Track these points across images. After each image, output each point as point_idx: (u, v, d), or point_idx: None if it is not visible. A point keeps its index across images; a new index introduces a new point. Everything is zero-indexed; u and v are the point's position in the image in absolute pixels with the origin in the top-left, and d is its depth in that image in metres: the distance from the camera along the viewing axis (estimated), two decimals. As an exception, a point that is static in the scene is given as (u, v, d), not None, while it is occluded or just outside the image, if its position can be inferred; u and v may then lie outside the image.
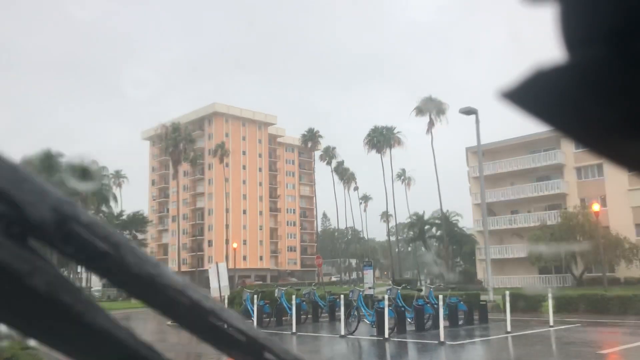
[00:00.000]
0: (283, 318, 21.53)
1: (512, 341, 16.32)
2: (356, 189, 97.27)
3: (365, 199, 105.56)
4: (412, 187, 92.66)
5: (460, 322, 19.45)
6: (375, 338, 16.75)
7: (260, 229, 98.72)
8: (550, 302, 19.16)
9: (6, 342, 10.30)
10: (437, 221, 64.37)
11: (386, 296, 17.30)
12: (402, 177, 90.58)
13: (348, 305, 18.72)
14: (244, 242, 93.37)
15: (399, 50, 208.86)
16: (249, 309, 21.36)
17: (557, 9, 0.41)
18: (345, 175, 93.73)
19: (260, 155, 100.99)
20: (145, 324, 29.94)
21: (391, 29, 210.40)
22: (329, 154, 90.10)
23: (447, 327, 17.42)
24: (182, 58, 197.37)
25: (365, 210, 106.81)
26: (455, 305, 19.24)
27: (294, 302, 20.04)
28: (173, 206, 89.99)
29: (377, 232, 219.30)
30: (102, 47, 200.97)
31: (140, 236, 72.33)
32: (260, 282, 72.80)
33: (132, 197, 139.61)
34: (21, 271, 0.46)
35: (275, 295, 23.05)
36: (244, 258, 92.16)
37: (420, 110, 64.37)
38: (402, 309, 17.93)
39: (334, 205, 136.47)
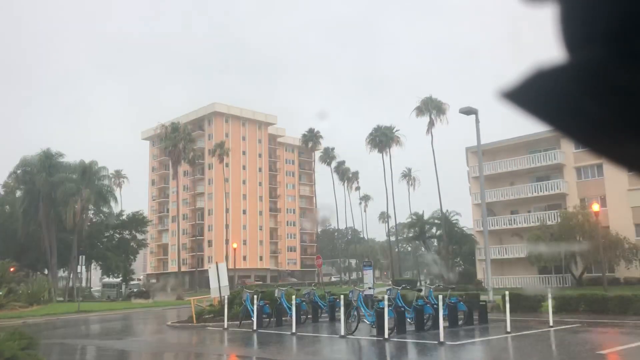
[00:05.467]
0: (283, 318, 21.52)
1: (511, 341, 16.31)
2: (358, 188, 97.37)
3: (366, 199, 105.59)
4: (415, 186, 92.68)
5: (460, 323, 19.44)
6: (375, 338, 16.74)
7: (260, 229, 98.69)
8: (550, 302, 19.14)
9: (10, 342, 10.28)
10: (436, 221, 64.29)
11: (386, 296, 17.29)
12: (407, 177, 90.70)
13: (348, 305, 18.71)
14: (244, 242, 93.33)
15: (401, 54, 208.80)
16: (249, 309, 21.33)
17: (557, 9, 0.41)
18: (346, 175, 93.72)
19: (260, 155, 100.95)
20: (144, 324, 29.95)
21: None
22: (329, 155, 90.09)
23: (447, 328, 17.41)
24: (181, 57, 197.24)
25: (365, 211, 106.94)
26: (455, 306, 19.22)
27: (293, 302, 20.03)
28: (173, 206, 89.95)
29: (377, 232, 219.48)
30: (101, 46, 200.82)
31: (140, 236, 72.34)
32: (260, 282, 72.82)
33: (132, 197, 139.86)
34: None
35: (275, 295, 23.05)
36: (244, 258, 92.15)
37: (420, 111, 64.32)
38: (402, 309, 17.91)
39: (334, 205, 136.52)
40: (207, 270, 29.11)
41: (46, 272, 61.09)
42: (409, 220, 70.15)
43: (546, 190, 49.23)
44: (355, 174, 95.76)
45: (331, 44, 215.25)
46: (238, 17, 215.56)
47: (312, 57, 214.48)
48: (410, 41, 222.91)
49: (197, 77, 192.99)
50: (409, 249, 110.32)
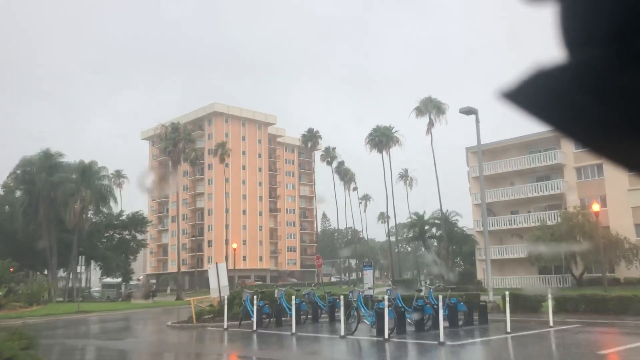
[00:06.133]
0: (283, 319, 21.50)
1: (511, 342, 16.30)
2: (355, 189, 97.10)
3: (366, 199, 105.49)
4: (412, 187, 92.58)
5: (460, 323, 19.42)
6: (375, 339, 16.73)
7: (260, 229, 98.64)
8: (550, 303, 19.14)
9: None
10: (437, 221, 64.28)
11: (386, 297, 17.27)
12: (405, 178, 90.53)
13: (348, 305, 18.70)
14: (244, 243, 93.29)
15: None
16: (249, 309, 21.32)
17: (557, 9, 0.41)
18: (346, 175, 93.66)
19: (260, 155, 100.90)
20: (144, 324, 29.93)
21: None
22: (330, 154, 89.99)
23: (447, 328, 17.39)
24: (180, 58, 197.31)
25: (365, 211, 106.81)
26: (455, 306, 19.20)
27: (293, 302, 20.01)
28: (173, 206, 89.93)
29: (377, 232, 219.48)
30: (100, 47, 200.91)
31: (140, 236, 72.28)
32: (260, 283, 72.78)
33: (132, 197, 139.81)
34: None
35: (275, 295, 23.04)
36: (244, 258, 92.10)
37: (420, 111, 64.29)
38: (402, 309, 17.90)
39: (334, 205, 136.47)
40: (207, 271, 29.11)
41: (46, 272, 61.05)
42: (409, 220, 70.16)
43: (546, 190, 49.24)
44: (352, 175, 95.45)
45: (329, 45, 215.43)
46: (234, 19, 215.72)
47: (310, 58, 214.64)
48: (409, 41, 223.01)
49: (196, 78, 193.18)
50: (409, 249, 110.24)
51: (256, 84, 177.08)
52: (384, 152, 75.82)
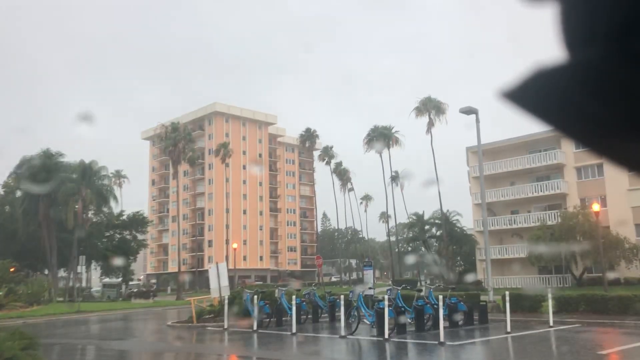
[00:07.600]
0: (283, 318, 21.51)
1: (511, 342, 16.31)
2: (351, 189, 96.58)
3: (366, 199, 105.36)
4: (412, 187, 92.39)
5: (460, 323, 19.42)
6: (375, 338, 16.74)
7: (261, 229, 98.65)
8: (550, 303, 19.15)
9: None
10: (437, 221, 64.28)
11: (386, 296, 17.28)
12: (396, 180, 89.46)
13: (348, 305, 18.69)
14: (244, 242, 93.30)
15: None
16: (249, 309, 21.33)
17: (557, 9, 0.42)
18: (344, 175, 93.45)
19: (260, 155, 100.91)
20: (144, 324, 29.94)
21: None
22: (328, 154, 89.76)
23: (447, 328, 17.40)
24: (182, 56, 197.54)
25: (365, 211, 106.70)
26: (455, 306, 19.20)
27: (294, 302, 20.02)
28: (173, 206, 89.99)
29: (377, 232, 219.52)
30: (99, 47, 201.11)
31: (140, 236, 72.28)
32: (260, 283, 72.81)
33: (132, 197, 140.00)
34: None
35: (276, 295, 23.04)
36: (244, 258, 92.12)
37: (419, 111, 64.25)
38: (402, 309, 17.91)
39: (334, 205, 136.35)
40: (207, 271, 29.11)
41: (46, 272, 61.04)
42: (409, 220, 70.15)
43: (546, 190, 49.24)
44: (348, 177, 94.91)
45: (329, 46, 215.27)
46: (230, 19, 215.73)
47: (310, 59, 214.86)
48: (409, 41, 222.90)
49: (196, 79, 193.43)
50: (409, 249, 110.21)
51: (256, 86, 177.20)
52: (383, 152, 75.72)
